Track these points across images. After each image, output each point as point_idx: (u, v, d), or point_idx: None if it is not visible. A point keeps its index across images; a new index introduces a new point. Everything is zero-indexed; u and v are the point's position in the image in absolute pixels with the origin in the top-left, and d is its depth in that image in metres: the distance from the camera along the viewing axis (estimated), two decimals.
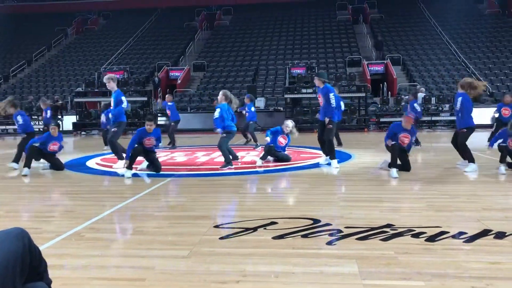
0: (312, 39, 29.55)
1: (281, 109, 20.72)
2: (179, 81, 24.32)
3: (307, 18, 32.78)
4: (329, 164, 8.05)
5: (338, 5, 34.02)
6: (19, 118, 8.62)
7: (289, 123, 8.86)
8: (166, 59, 27.97)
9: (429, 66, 24.86)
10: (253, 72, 25.91)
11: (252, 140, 12.16)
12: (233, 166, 7.96)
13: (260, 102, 21.20)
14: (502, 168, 7.09)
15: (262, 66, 26.76)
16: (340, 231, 3.90)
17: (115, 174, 7.78)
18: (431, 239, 3.64)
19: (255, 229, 4.02)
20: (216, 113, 7.93)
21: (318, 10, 33.43)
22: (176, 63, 27.78)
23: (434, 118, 19.77)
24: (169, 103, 12.84)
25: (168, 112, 12.88)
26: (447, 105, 19.54)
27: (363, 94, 19.78)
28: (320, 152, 9.02)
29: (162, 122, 21.66)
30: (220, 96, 8.16)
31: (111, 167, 8.56)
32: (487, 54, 25.43)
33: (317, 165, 8.33)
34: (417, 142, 10.62)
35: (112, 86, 8.43)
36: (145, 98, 21.02)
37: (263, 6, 34.48)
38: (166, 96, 13.82)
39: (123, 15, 35.30)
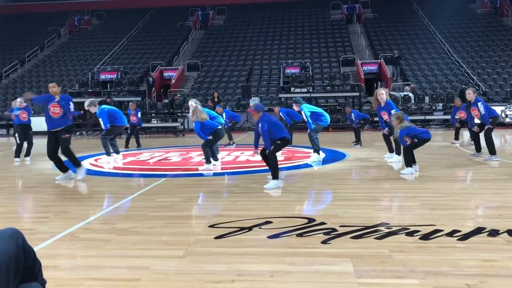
0: (306, 38, 29.58)
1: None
2: (173, 81, 24.24)
3: (301, 17, 32.82)
4: None
5: (332, 4, 34.10)
6: None
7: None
8: (160, 59, 27.88)
9: (423, 65, 24.97)
10: (247, 71, 25.89)
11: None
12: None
13: (255, 102, 21.25)
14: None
15: (257, 66, 26.75)
16: (335, 230, 3.91)
17: (109, 174, 7.76)
18: (425, 237, 3.66)
19: (250, 228, 4.02)
20: None
21: (312, 10, 33.48)
22: (170, 63, 27.69)
23: (427, 117, 19.86)
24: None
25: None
26: (440, 104, 19.63)
27: (357, 94, 19.87)
28: (311, 151, 9.14)
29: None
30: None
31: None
32: (480, 53, 25.58)
33: (310, 165, 8.38)
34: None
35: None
36: (139, 98, 21.01)
37: (257, 6, 34.48)
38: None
39: (116, 15, 35.16)
